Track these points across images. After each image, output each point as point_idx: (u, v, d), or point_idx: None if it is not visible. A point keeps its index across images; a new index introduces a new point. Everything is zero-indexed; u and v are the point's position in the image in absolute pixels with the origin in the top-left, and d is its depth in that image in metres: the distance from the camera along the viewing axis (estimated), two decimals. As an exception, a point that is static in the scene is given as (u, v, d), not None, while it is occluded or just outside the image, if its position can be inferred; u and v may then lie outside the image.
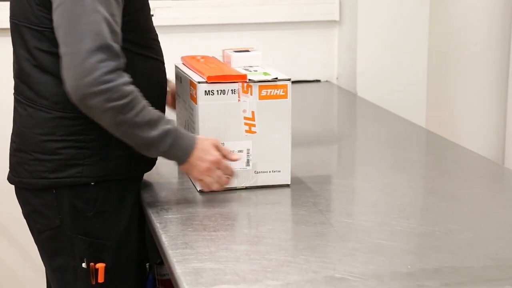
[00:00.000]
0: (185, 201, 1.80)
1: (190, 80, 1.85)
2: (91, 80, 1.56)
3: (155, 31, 1.85)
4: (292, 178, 1.88)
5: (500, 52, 2.85)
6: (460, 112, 2.95)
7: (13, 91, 1.83)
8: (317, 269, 1.41)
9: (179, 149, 1.71)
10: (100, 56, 1.56)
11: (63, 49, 1.59)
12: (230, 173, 1.79)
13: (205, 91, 1.78)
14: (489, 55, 2.87)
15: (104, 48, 1.57)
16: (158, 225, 1.64)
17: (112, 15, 1.61)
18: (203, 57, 2.03)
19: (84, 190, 1.76)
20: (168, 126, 1.68)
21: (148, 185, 1.90)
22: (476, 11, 2.86)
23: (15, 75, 1.80)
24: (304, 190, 1.85)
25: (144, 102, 1.65)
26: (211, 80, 1.78)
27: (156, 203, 1.78)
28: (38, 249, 1.87)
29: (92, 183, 1.76)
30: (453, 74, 2.97)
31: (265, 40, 3.08)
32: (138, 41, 1.77)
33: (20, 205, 1.85)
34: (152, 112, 1.66)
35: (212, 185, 1.77)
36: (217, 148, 1.76)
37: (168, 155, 1.72)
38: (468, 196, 1.84)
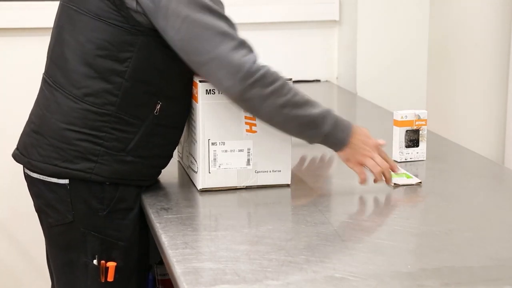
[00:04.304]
0: (185, 201, 1.80)
1: (190, 80, 1.85)
2: (245, 74, 1.64)
3: None
4: (292, 178, 1.88)
5: (500, 53, 2.85)
6: (460, 112, 2.95)
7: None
8: (317, 269, 1.41)
9: (341, 130, 1.75)
10: (240, 52, 1.65)
11: (201, 59, 1.66)
12: (389, 163, 1.81)
13: (206, 90, 1.78)
14: (489, 55, 2.87)
15: (239, 44, 1.66)
16: (158, 225, 1.64)
17: (226, 19, 1.69)
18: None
19: (99, 189, 1.76)
20: (326, 107, 1.73)
21: (148, 185, 1.90)
22: (476, 11, 2.86)
23: (52, 57, 1.80)
24: (304, 190, 1.85)
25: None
26: (212, 80, 1.78)
27: (156, 203, 1.78)
28: (47, 244, 1.87)
29: (107, 183, 1.76)
30: (453, 74, 2.97)
31: (265, 40, 3.08)
32: None
33: (32, 198, 1.85)
34: (305, 93, 1.72)
35: (375, 167, 1.79)
36: (371, 139, 1.81)
37: (330, 137, 1.75)
38: (468, 196, 1.84)
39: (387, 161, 1.81)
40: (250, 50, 1.68)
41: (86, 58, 1.71)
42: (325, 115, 1.73)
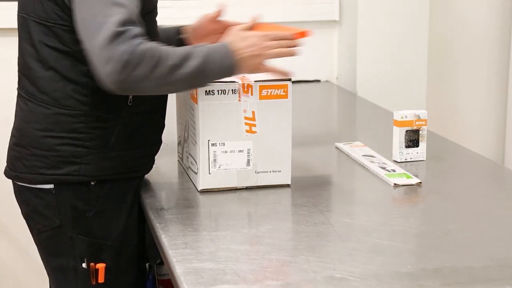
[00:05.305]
0: (185, 201, 1.80)
1: (190, 80, 1.85)
2: (113, 67, 1.52)
3: (159, 34, 1.85)
4: (292, 178, 1.88)
5: (500, 52, 2.85)
6: (460, 112, 2.95)
7: (13, 88, 1.83)
8: (317, 269, 1.41)
9: (226, 59, 1.67)
10: (111, 44, 1.53)
11: (84, 46, 1.60)
12: (284, 36, 1.76)
13: (206, 91, 1.78)
14: (489, 55, 2.87)
15: (113, 36, 1.53)
16: (158, 225, 1.64)
17: (131, 7, 1.59)
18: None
19: (84, 190, 1.76)
20: (201, 49, 1.65)
21: (148, 185, 1.90)
22: (476, 11, 2.86)
23: (19, 69, 1.81)
24: (304, 190, 1.85)
25: (165, 46, 1.61)
26: (211, 80, 1.78)
27: (156, 203, 1.78)
28: (38, 249, 1.87)
29: (92, 183, 1.76)
30: (453, 74, 2.97)
31: (265, 40, 3.08)
32: None
33: (19, 205, 1.85)
34: (179, 49, 1.63)
35: (277, 55, 1.74)
36: (247, 28, 1.76)
37: (222, 71, 1.69)
38: (468, 196, 1.84)
39: (281, 37, 1.75)
40: (122, 40, 1.53)
41: (47, 63, 1.71)
42: (205, 58, 1.63)
